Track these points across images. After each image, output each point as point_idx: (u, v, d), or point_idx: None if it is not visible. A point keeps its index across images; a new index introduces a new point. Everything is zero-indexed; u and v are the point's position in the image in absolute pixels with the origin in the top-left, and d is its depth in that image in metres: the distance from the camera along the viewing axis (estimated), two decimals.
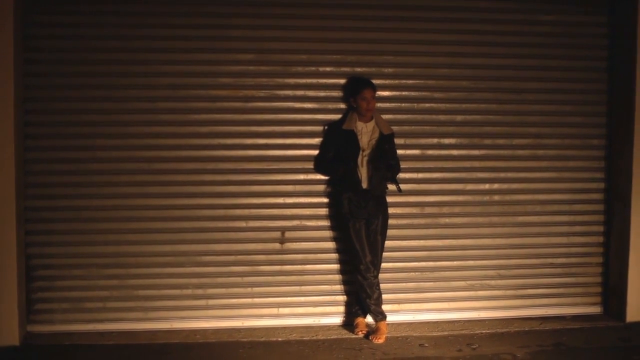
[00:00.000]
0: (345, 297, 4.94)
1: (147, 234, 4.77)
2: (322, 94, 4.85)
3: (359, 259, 4.60)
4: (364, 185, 4.60)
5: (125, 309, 4.77)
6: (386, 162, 4.62)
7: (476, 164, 5.03)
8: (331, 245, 4.91)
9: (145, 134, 4.73)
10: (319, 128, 4.83)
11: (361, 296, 4.69)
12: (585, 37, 5.10)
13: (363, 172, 4.61)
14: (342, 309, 4.95)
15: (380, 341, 4.57)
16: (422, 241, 5.01)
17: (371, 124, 4.67)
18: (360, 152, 4.60)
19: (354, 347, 4.52)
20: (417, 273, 5.02)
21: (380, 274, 4.70)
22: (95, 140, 4.69)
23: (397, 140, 4.77)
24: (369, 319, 4.79)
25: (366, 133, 4.64)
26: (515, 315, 5.09)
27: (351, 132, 4.62)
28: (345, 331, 4.81)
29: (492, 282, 5.10)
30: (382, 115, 4.74)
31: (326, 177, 4.85)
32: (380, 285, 4.68)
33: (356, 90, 4.65)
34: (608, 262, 5.18)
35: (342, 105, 4.83)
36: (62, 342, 4.55)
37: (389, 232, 4.75)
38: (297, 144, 4.84)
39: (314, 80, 4.84)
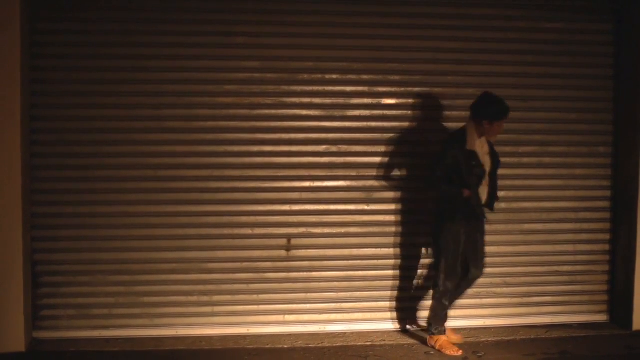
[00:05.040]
0: (350, 304, 4.94)
1: (152, 240, 4.77)
2: (328, 101, 4.85)
3: (454, 273, 4.48)
4: (483, 201, 4.49)
5: (131, 316, 4.78)
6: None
7: None
8: (337, 252, 4.91)
9: (151, 141, 4.73)
10: (326, 135, 4.84)
11: (442, 306, 4.56)
12: (591, 45, 5.09)
13: (483, 191, 4.49)
14: (348, 316, 4.95)
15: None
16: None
17: (483, 140, 4.50)
18: (486, 174, 4.48)
19: (360, 355, 4.51)
20: (423, 281, 5.02)
21: (388, 281, 4.70)
22: (101, 147, 4.70)
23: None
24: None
25: (484, 154, 4.48)
26: (521, 323, 5.08)
27: (473, 153, 4.41)
28: (351, 338, 4.80)
29: (498, 290, 5.09)
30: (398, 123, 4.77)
31: (337, 185, 4.87)
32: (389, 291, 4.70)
33: (497, 116, 4.38)
34: (614, 270, 5.17)
35: (348, 113, 4.84)
36: (68, 349, 4.55)
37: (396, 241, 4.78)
38: (304, 151, 4.85)
39: (320, 88, 4.85)
